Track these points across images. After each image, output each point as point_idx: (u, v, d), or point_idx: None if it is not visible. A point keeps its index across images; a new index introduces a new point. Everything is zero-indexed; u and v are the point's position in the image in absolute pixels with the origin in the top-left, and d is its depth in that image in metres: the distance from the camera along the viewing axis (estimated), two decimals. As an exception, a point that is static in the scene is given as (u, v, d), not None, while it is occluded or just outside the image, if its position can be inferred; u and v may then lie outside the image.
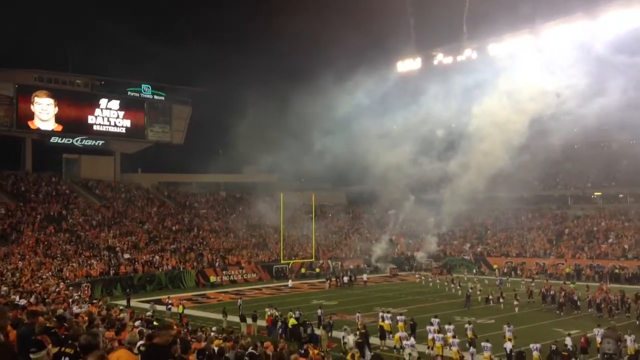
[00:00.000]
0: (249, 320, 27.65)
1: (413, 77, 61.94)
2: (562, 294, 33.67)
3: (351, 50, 59.00)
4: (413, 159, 58.71)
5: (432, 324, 23.99)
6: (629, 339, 21.38)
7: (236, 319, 28.39)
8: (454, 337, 22.14)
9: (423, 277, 49.20)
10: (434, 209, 60.94)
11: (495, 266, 53.85)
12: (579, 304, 32.80)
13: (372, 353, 21.89)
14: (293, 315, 26.25)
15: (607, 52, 46.71)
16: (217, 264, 49.62)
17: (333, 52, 58.40)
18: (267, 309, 28.56)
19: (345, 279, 47.67)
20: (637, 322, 28.44)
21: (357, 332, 23.01)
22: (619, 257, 50.02)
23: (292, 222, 61.47)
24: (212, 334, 17.41)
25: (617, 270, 47.00)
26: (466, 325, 23.76)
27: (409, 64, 63.25)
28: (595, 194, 63.91)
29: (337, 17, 58.66)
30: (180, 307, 31.09)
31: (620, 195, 61.96)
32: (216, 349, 12.68)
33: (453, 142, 58.23)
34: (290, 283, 46.33)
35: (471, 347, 21.04)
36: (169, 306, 32.20)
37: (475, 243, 61.66)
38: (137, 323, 15.88)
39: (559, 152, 60.35)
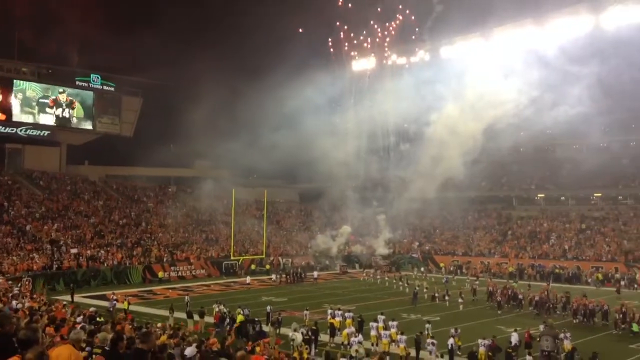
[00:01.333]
0: (196, 317, 27.40)
1: (367, 76, 62.50)
2: (509, 292, 34.78)
3: (306, 46, 58.95)
4: (365, 158, 59.36)
5: (376, 321, 24.40)
6: (564, 336, 22.30)
7: (183, 315, 28.06)
8: (401, 333, 22.52)
9: (371, 275, 49.83)
10: (384, 208, 61.79)
11: (441, 264, 55.07)
12: (523, 302, 33.88)
13: (316, 350, 22.11)
14: (241, 312, 26.16)
15: (554, 59, 48.41)
16: (165, 260, 48.86)
17: (288, 48, 58.29)
18: (215, 306, 28.37)
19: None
20: (574, 321, 29.61)
21: (305, 329, 23.13)
22: (559, 257, 51.92)
23: (244, 218, 61.12)
24: (158, 330, 17.18)
25: (557, 270, 48.73)
26: (427, 325, 24.19)
27: (363, 63, 63.72)
28: (539, 195, 66.14)
29: (294, 12, 58.55)
30: (126, 303, 30.52)
31: (562, 198, 64.31)
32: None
33: (405, 142, 59.13)
34: (248, 279, 46.04)
35: (430, 345, 21.42)
36: (114, 302, 31.53)
37: (423, 242, 62.84)
38: (79, 319, 15.53)
39: (505, 155, 62.15)
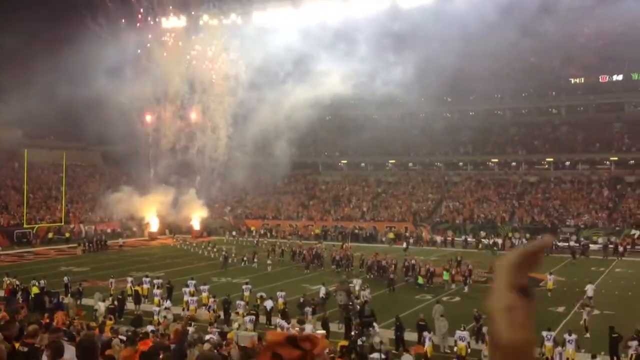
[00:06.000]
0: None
1: (177, 35, 60.46)
2: (313, 252, 36.86)
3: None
4: (171, 119, 57.99)
5: (187, 286, 24.36)
6: (364, 293, 24.40)
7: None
8: (213, 297, 22.74)
9: (181, 240, 49.20)
10: (195, 172, 60.94)
11: (252, 228, 56.19)
12: (324, 261, 36.21)
13: (122, 319, 21.52)
14: (36, 284, 24.20)
15: (359, 32, 51.52)
16: (-59, 230, 42.92)
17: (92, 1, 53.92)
18: (5, 278, 25.85)
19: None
20: (369, 276, 32.43)
21: (110, 298, 22.25)
22: (358, 218, 56.16)
23: (39, 183, 55.85)
24: None
25: (356, 231, 52.72)
26: (278, 293, 23.59)
27: (173, 22, 61.38)
28: (342, 162, 70.34)
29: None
30: None
31: (362, 164, 69.20)
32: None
33: (216, 104, 58.75)
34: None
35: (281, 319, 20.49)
36: None
37: (235, 206, 63.40)
38: None
39: (314, 122, 64.80)
